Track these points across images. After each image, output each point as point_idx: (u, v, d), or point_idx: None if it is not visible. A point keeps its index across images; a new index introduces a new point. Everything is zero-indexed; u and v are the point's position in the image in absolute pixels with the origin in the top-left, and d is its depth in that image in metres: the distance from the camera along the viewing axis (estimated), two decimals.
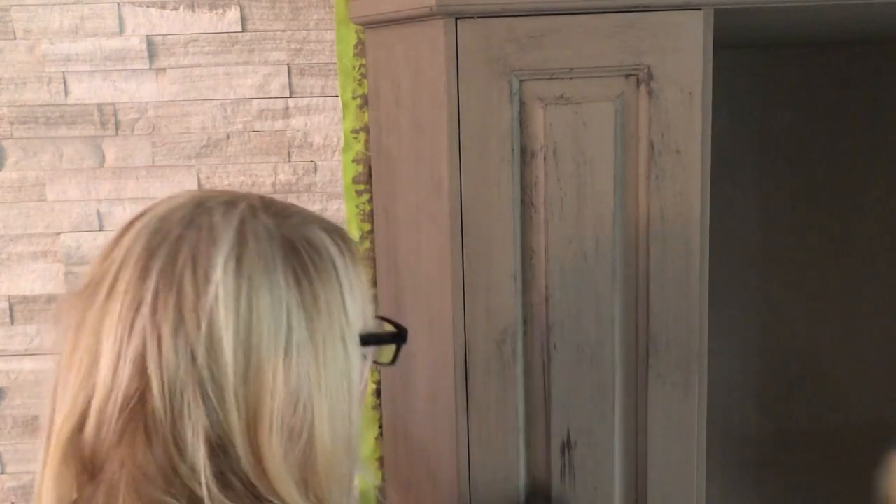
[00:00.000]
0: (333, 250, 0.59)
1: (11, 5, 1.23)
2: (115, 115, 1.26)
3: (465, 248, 0.92)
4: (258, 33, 1.25)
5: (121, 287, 0.54)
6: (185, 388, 0.52)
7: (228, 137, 1.28)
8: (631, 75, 0.91)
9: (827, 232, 1.52)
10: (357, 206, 1.30)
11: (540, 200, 0.92)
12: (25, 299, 1.30)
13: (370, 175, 1.28)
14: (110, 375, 0.53)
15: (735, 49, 1.41)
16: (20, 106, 1.26)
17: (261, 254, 0.55)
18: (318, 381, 0.56)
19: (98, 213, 1.28)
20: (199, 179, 1.28)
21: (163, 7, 1.24)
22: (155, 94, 1.26)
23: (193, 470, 0.52)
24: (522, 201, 0.92)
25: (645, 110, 0.91)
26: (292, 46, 1.26)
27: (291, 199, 1.29)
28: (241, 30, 1.25)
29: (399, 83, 1.05)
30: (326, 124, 1.28)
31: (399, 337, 0.67)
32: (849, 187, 1.51)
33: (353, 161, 1.29)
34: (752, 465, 1.59)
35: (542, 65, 0.89)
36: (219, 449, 0.53)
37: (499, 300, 0.93)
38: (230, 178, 1.28)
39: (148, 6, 1.24)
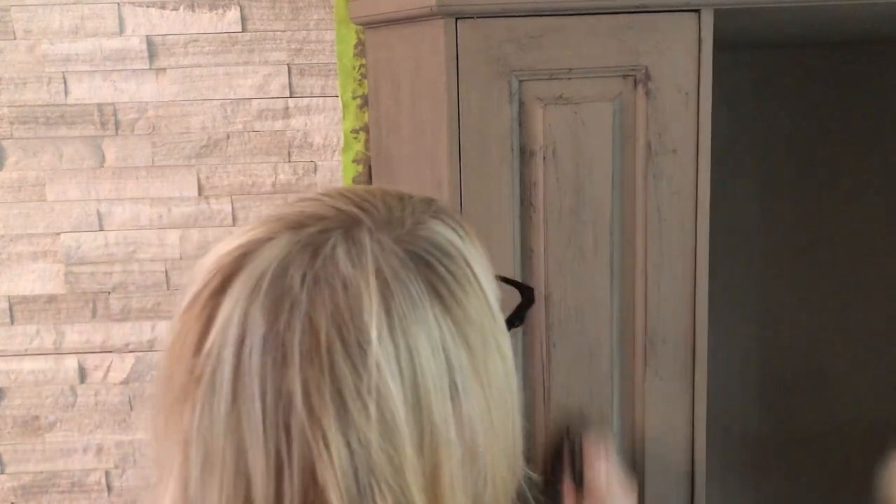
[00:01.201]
0: (457, 242, 0.50)
1: (11, 5, 1.23)
2: (115, 115, 1.26)
3: None
4: (258, 33, 1.25)
5: (252, 385, 0.44)
6: (367, 478, 0.44)
7: (228, 137, 1.28)
8: (629, 76, 0.91)
9: (827, 231, 1.52)
10: None
11: (539, 200, 0.92)
12: (25, 299, 1.30)
13: (370, 175, 1.28)
14: (272, 494, 0.44)
15: (735, 49, 1.41)
16: (20, 106, 1.26)
17: (405, 295, 0.46)
18: (488, 417, 0.49)
19: (98, 213, 1.28)
20: (199, 179, 1.28)
21: (163, 7, 1.24)
22: (155, 94, 1.26)
23: None
24: (522, 201, 0.93)
25: (642, 110, 0.91)
26: (292, 46, 1.26)
27: (291, 199, 1.29)
28: (241, 30, 1.25)
29: (399, 83, 1.05)
30: (326, 124, 1.28)
31: (530, 299, 0.61)
32: (849, 187, 1.51)
33: (353, 161, 1.29)
34: (751, 464, 1.59)
35: (541, 65, 0.89)
36: None
37: None
38: (230, 178, 1.28)
39: (148, 6, 1.24)
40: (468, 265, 0.50)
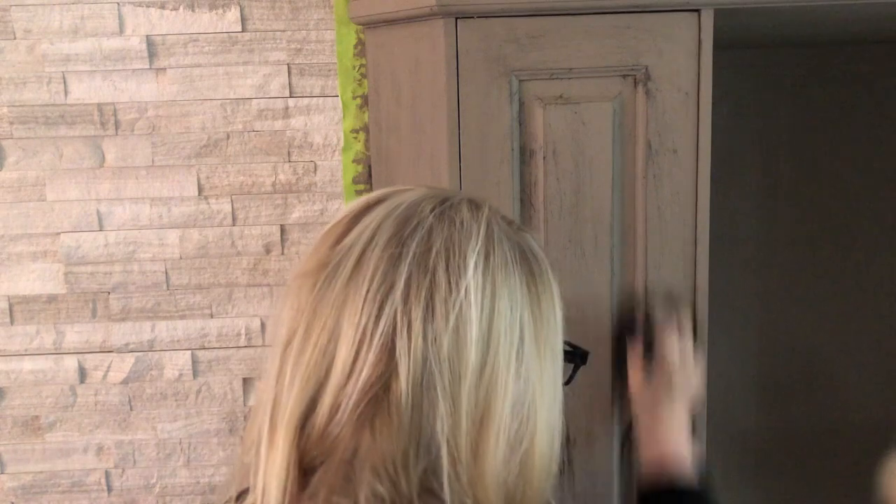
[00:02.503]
0: (546, 262, 0.60)
1: (11, 5, 1.23)
2: (114, 114, 1.26)
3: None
4: (258, 33, 1.25)
5: (367, 270, 0.53)
6: (431, 378, 0.51)
7: (228, 137, 1.28)
8: (629, 75, 0.91)
9: (827, 232, 1.52)
10: None
11: (539, 200, 0.92)
12: (25, 299, 1.30)
13: (370, 175, 1.28)
14: (350, 359, 0.52)
15: (735, 49, 1.41)
16: (20, 106, 1.26)
17: (503, 256, 0.56)
18: (539, 389, 0.56)
19: (98, 213, 1.28)
20: (199, 179, 1.28)
21: (163, 7, 1.24)
22: (155, 94, 1.26)
23: (432, 463, 0.51)
24: (522, 200, 0.93)
25: (642, 110, 0.91)
26: (292, 46, 1.26)
27: (291, 199, 1.29)
28: (241, 30, 1.25)
29: (399, 83, 1.05)
30: (326, 124, 1.28)
31: (583, 359, 0.70)
32: (849, 187, 1.51)
33: (353, 161, 1.29)
34: (751, 464, 1.59)
35: (541, 65, 0.89)
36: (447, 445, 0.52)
37: None
38: (230, 178, 1.28)
39: (148, 6, 1.24)
40: (551, 281, 0.59)
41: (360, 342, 0.52)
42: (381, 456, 0.51)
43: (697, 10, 0.90)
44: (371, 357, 0.52)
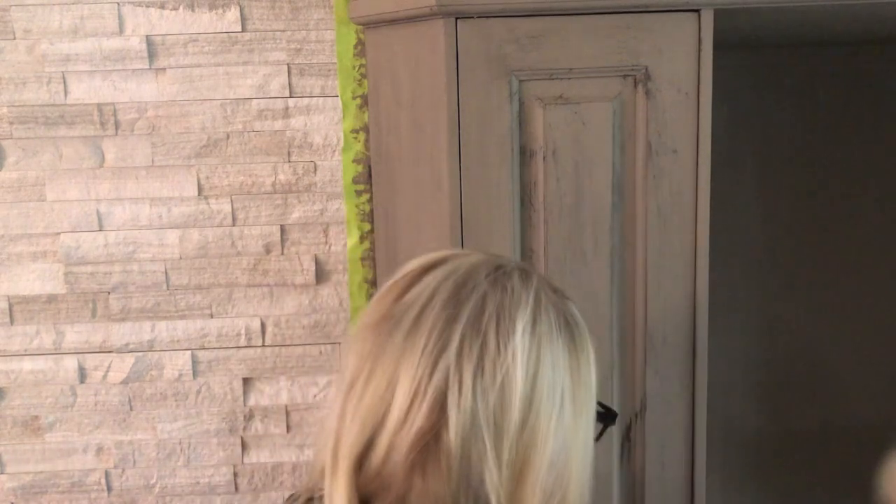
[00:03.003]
0: (585, 329, 0.66)
1: (11, 5, 1.23)
2: (114, 115, 1.26)
3: (464, 247, 0.92)
4: (258, 33, 1.25)
5: (425, 327, 0.59)
6: (478, 429, 0.57)
7: (228, 137, 1.28)
8: (629, 76, 0.91)
9: (827, 232, 1.52)
10: (357, 206, 1.30)
11: (539, 200, 0.92)
12: (25, 299, 1.30)
13: (370, 175, 1.28)
14: (405, 408, 0.57)
15: (735, 49, 1.41)
16: (20, 106, 1.26)
17: (549, 323, 0.61)
18: (574, 445, 0.61)
19: (98, 213, 1.28)
20: (198, 179, 1.28)
21: (163, 7, 1.24)
22: (155, 94, 1.26)
23: None
24: (522, 201, 0.93)
25: (642, 110, 0.91)
26: (292, 46, 1.26)
27: (291, 199, 1.29)
28: (240, 30, 1.25)
29: (399, 83, 1.05)
30: (326, 124, 1.28)
31: (612, 419, 0.75)
32: (849, 187, 1.51)
33: (353, 161, 1.29)
34: (751, 464, 1.59)
35: (541, 65, 0.89)
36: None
37: None
38: (230, 178, 1.28)
39: (148, 6, 1.24)
40: (591, 349, 0.65)
41: (416, 393, 0.57)
42: (433, 499, 0.57)
43: (697, 11, 0.90)
44: (424, 407, 0.57)
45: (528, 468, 0.58)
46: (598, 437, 0.71)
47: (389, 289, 0.64)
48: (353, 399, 0.60)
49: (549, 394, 0.59)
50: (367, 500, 0.59)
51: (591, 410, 0.64)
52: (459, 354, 0.58)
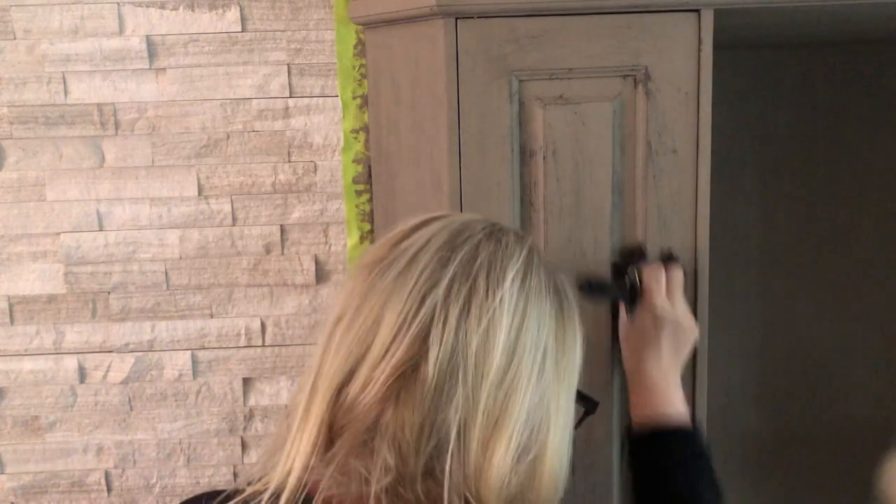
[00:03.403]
0: (576, 307, 0.67)
1: (11, 5, 1.23)
2: (114, 115, 1.26)
3: None
4: (258, 33, 1.25)
5: (417, 267, 0.61)
6: (456, 368, 0.58)
7: (228, 137, 1.28)
8: (629, 76, 0.91)
9: (827, 232, 1.52)
10: (357, 206, 1.30)
11: (539, 200, 0.92)
12: (25, 299, 1.30)
13: (370, 175, 1.28)
14: (389, 339, 0.59)
15: (735, 49, 1.41)
16: (20, 106, 1.26)
17: (539, 281, 0.63)
18: (554, 408, 0.62)
19: (98, 213, 1.28)
20: (198, 179, 1.28)
21: (163, 7, 1.24)
22: (155, 94, 1.26)
23: (439, 446, 0.58)
24: (522, 201, 0.93)
25: (642, 110, 0.91)
26: (292, 46, 1.26)
27: (291, 199, 1.29)
28: (240, 30, 1.25)
29: (399, 83, 1.05)
30: (326, 124, 1.28)
31: (593, 407, 0.76)
32: (849, 187, 1.51)
33: (353, 161, 1.29)
34: (751, 465, 1.59)
35: (541, 65, 0.89)
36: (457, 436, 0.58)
37: None
38: (230, 178, 1.28)
39: (148, 6, 1.24)
40: (578, 320, 0.67)
41: (400, 327, 0.59)
42: (399, 426, 0.58)
43: (697, 10, 0.90)
44: (407, 340, 0.58)
45: (504, 416, 0.59)
46: (578, 424, 0.71)
47: (389, 237, 0.66)
48: (338, 332, 0.62)
49: (532, 348, 0.61)
50: (336, 435, 0.60)
51: (572, 382, 0.65)
52: (448, 294, 0.59)
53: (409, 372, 0.58)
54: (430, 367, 0.58)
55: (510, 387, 0.59)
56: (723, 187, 1.45)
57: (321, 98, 1.28)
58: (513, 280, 0.61)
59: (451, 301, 0.59)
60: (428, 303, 0.59)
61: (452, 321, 0.59)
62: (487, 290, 0.60)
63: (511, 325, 0.60)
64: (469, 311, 0.59)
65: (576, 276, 0.83)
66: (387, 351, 0.59)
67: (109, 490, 1.36)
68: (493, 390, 0.58)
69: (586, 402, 0.75)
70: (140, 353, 1.32)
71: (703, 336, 0.97)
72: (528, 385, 0.60)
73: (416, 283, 0.60)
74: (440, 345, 0.58)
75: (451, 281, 0.60)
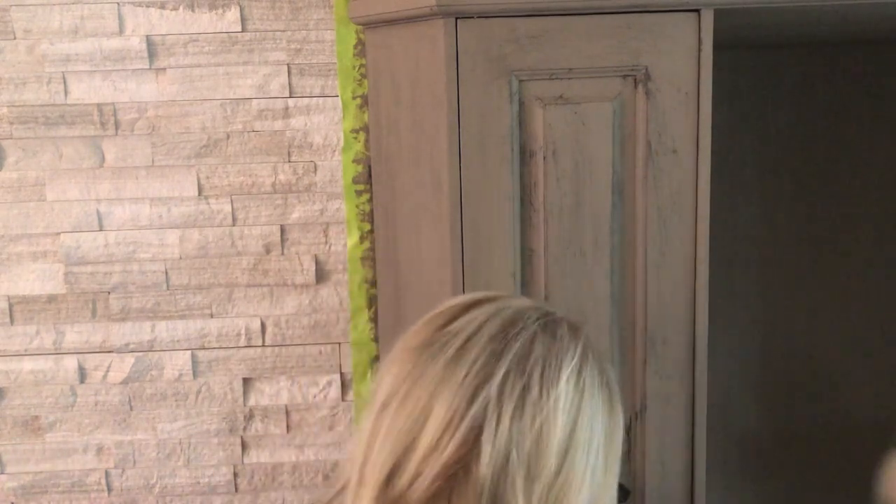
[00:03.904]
0: (620, 398, 0.66)
1: (11, 5, 1.23)
2: (114, 115, 1.26)
3: (465, 247, 0.92)
4: (258, 33, 1.25)
5: (469, 357, 0.59)
6: (511, 469, 0.56)
7: (228, 137, 1.28)
8: (629, 76, 0.91)
9: (827, 232, 1.52)
10: (357, 206, 1.30)
11: (539, 200, 0.92)
12: (25, 299, 1.30)
13: (370, 175, 1.28)
14: (438, 434, 0.57)
15: (735, 49, 1.41)
16: (20, 106, 1.26)
17: (593, 378, 0.62)
18: (602, 502, 0.61)
19: (98, 213, 1.28)
20: (198, 179, 1.28)
21: (163, 7, 1.24)
22: (155, 94, 1.26)
23: None
24: (522, 201, 0.92)
25: (642, 110, 0.91)
26: (292, 46, 1.26)
27: (291, 199, 1.29)
28: (240, 30, 1.25)
29: (399, 83, 1.05)
30: (326, 124, 1.28)
31: (626, 495, 0.75)
32: (849, 187, 1.51)
33: (353, 161, 1.29)
34: (751, 464, 1.59)
35: (541, 65, 0.89)
36: None
37: None
38: (230, 178, 1.28)
39: (148, 6, 1.24)
40: (622, 412, 0.65)
41: (451, 420, 0.57)
42: None
43: (697, 10, 0.90)
44: (458, 436, 0.56)
45: None
46: None
47: (434, 317, 0.64)
48: (385, 419, 0.60)
49: (585, 446, 0.59)
50: None
51: (616, 475, 0.64)
52: (501, 391, 0.57)
53: (460, 473, 0.56)
54: (483, 469, 0.56)
55: (563, 489, 0.58)
56: (723, 187, 1.45)
57: (321, 98, 1.28)
58: (568, 379, 0.60)
59: (504, 398, 0.57)
60: (480, 398, 0.57)
61: (506, 420, 0.57)
62: (542, 390, 0.58)
63: (565, 426, 0.58)
64: (523, 410, 0.57)
65: None
66: (436, 445, 0.57)
67: (109, 490, 1.36)
68: (545, 493, 0.57)
69: (621, 492, 0.73)
70: (140, 353, 1.32)
71: (703, 335, 0.97)
72: (581, 483, 0.59)
73: (467, 374, 0.58)
74: (493, 445, 0.56)
75: (505, 377, 0.58)
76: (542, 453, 0.57)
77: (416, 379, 0.60)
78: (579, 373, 0.61)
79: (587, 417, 0.60)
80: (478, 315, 0.62)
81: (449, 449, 0.56)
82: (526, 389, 0.58)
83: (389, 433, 0.59)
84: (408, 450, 0.58)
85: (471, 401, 0.57)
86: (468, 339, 0.60)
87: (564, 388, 0.59)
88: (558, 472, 0.57)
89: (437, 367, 0.59)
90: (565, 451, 0.58)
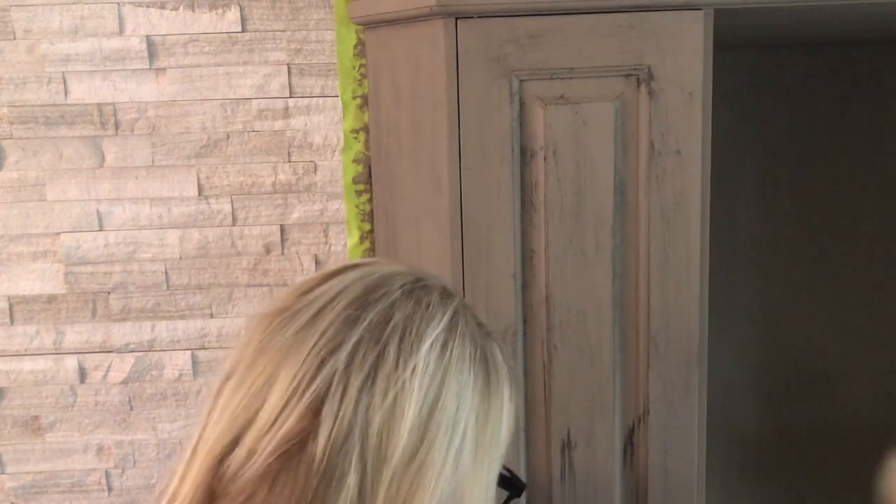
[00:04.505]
0: (507, 375, 0.59)
1: (11, 5, 1.23)
2: (114, 115, 1.26)
3: (465, 248, 0.92)
4: (258, 33, 1.25)
5: (320, 325, 0.53)
6: (352, 448, 0.49)
7: (228, 137, 1.28)
8: (631, 75, 0.91)
9: (827, 232, 1.52)
10: (357, 206, 1.30)
11: (540, 200, 0.92)
12: (25, 299, 1.30)
13: (370, 175, 1.28)
14: (278, 408, 0.51)
15: (735, 49, 1.41)
16: (20, 106, 1.26)
17: (463, 349, 0.55)
18: (470, 496, 0.54)
19: (98, 213, 1.28)
20: (198, 179, 1.28)
21: (163, 7, 1.24)
22: (155, 94, 1.26)
23: None
24: (522, 201, 0.92)
25: (645, 110, 0.91)
26: (292, 46, 1.26)
27: (291, 199, 1.29)
28: (240, 30, 1.25)
29: (399, 83, 1.05)
30: (326, 124, 1.28)
31: (519, 491, 0.67)
32: (849, 187, 1.51)
33: (353, 161, 1.29)
34: (751, 465, 1.59)
35: (542, 65, 0.89)
36: None
37: (499, 300, 0.93)
38: (230, 178, 1.28)
39: (148, 6, 1.24)
40: (507, 393, 0.58)
41: (292, 393, 0.51)
42: None
43: (700, 9, 0.90)
44: (297, 411, 0.50)
45: (410, 501, 0.50)
46: None
47: (300, 284, 0.58)
48: (225, 392, 0.54)
49: (448, 428, 0.52)
50: None
51: (495, 464, 0.57)
52: (350, 360, 0.51)
53: (293, 450, 0.49)
54: (320, 447, 0.49)
55: (417, 474, 0.50)
56: (723, 187, 1.45)
57: (321, 98, 1.27)
58: (430, 348, 0.53)
59: (353, 369, 0.51)
60: (326, 368, 0.50)
61: (353, 392, 0.50)
62: (398, 359, 0.51)
63: (423, 401, 0.51)
64: (374, 381, 0.50)
65: None
66: (275, 420, 0.50)
67: (109, 490, 1.35)
68: (396, 478, 0.50)
69: (511, 486, 0.66)
70: (140, 353, 1.32)
71: (703, 336, 0.96)
72: (440, 473, 0.51)
73: (316, 343, 0.52)
74: (335, 420, 0.49)
75: (357, 345, 0.51)
76: (393, 431, 0.50)
77: (262, 347, 0.54)
78: (444, 344, 0.54)
79: (453, 395, 0.52)
80: (339, 282, 0.56)
81: (287, 424, 0.50)
82: (380, 358, 0.51)
83: (228, 405, 0.53)
84: (245, 425, 0.51)
85: (317, 371, 0.51)
86: (324, 306, 0.54)
87: (425, 357, 0.52)
88: (413, 455, 0.50)
89: (287, 336, 0.53)
90: (422, 432, 0.51)
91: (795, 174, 1.50)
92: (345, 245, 1.31)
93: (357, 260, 0.61)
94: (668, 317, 0.95)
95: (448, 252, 0.92)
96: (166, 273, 1.30)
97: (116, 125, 1.26)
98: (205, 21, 1.25)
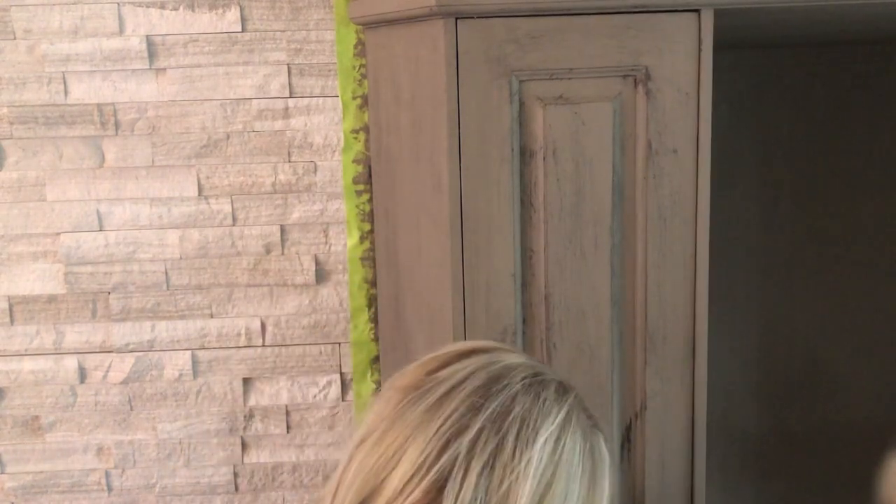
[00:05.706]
0: (608, 466, 0.64)
1: (11, 5, 1.23)
2: (114, 115, 1.26)
3: (464, 247, 0.92)
4: (258, 33, 1.25)
5: (447, 407, 0.58)
6: None
7: (228, 137, 1.28)
8: (629, 76, 0.91)
9: (827, 232, 1.52)
10: (357, 206, 1.30)
11: (539, 200, 0.92)
12: (25, 299, 1.30)
13: (370, 175, 1.28)
14: (404, 480, 0.56)
15: (735, 49, 1.41)
16: (20, 106, 1.26)
17: (574, 444, 0.60)
18: None
19: (98, 213, 1.28)
20: (198, 179, 1.28)
21: (163, 7, 1.24)
22: (155, 94, 1.26)
23: None
24: (522, 201, 0.92)
25: (643, 110, 0.91)
26: (292, 46, 1.26)
27: (291, 199, 1.29)
28: (241, 30, 1.25)
29: (399, 83, 1.05)
30: (326, 124, 1.28)
31: None
32: (849, 187, 1.51)
33: (353, 161, 1.29)
34: (751, 464, 1.59)
35: (541, 65, 0.89)
36: None
37: (498, 300, 0.93)
38: (230, 178, 1.28)
39: (148, 6, 1.24)
40: (608, 481, 0.63)
41: (419, 468, 0.56)
42: None
43: (697, 10, 0.90)
44: (423, 485, 0.56)
45: None
46: None
47: (427, 360, 0.64)
48: (359, 456, 0.60)
49: None
50: None
51: None
52: (473, 446, 0.56)
53: None
54: None
55: None
56: (723, 187, 1.45)
57: (321, 98, 1.28)
58: (544, 443, 0.58)
59: (475, 454, 0.56)
60: (450, 450, 0.56)
61: (473, 477, 0.55)
62: (515, 450, 0.57)
63: (535, 491, 0.56)
64: (493, 468, 0.56)
65: None
66: (402, 491, 0.56)
67: (109, 490, 1.36)
68: None
69: None
70: (140, 353, 1.32)
71: (702, 333, 0.97)
72: None
73: (442, 424, 0.57)
74: (455, 499, 0.55)
75: (479, 433, 0.57)
76: None
77: (394, 420, 0.60)
78: (558, 439, 0.59)
79: (561, 486, 0.57)
80: (467, 365, 0.62)
81: (412, 497, 0.55)
82: (499, 448, 0.57)
83: (360, 470, 0.59)
84: (374, 491, 0.57)
85: (441, 451, 0.56)
86: (452, 389, 0.60)
87: (539, 452, 0.57)
88: None
89: (417, 412, 0.59)
90: None
91: (795, 174, 1.50)
92: (345, 245, 1.31)
93: (481, 343, 0.66)
94: (666, 316, 0.95)
95: (448, 252, 0.93)
96: (166, 273, 1.30)
97: (116, 125, 1.26)
98: (205, 21, 1.25)
